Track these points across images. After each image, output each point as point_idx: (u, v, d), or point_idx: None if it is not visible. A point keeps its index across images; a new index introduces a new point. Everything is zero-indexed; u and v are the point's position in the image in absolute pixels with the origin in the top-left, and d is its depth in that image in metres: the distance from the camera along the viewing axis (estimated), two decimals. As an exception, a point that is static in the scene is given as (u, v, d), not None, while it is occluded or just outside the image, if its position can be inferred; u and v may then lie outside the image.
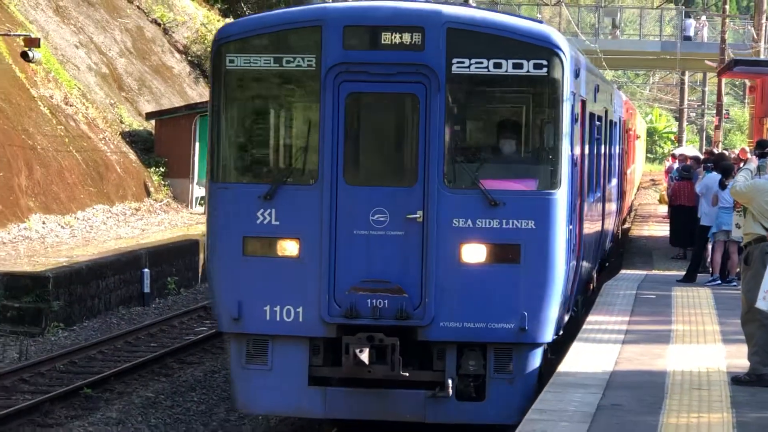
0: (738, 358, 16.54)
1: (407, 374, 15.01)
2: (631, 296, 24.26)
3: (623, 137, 34.23)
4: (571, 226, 16.25)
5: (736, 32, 72.14)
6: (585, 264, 22.16)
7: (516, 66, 15.10)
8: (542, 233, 15.16)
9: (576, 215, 17.95)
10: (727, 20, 68.89)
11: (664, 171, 57.71)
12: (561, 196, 15.40)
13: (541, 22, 16.47)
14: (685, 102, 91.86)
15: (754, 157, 23.34)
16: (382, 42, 15.22)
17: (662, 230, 43.06)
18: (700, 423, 13.26)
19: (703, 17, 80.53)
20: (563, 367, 16.43)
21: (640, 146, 61.53)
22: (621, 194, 34.95)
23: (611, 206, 30.09)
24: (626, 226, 44.34)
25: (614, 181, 31.40)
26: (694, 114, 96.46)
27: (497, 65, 15.10)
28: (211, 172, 16.08)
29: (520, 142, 16.32)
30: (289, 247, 15.42)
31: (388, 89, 15.58)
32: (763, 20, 61.01)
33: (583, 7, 77.44)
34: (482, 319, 15.08)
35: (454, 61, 15.04)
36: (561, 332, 17.59)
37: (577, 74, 16.62)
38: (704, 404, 14.29)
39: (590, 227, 23.38)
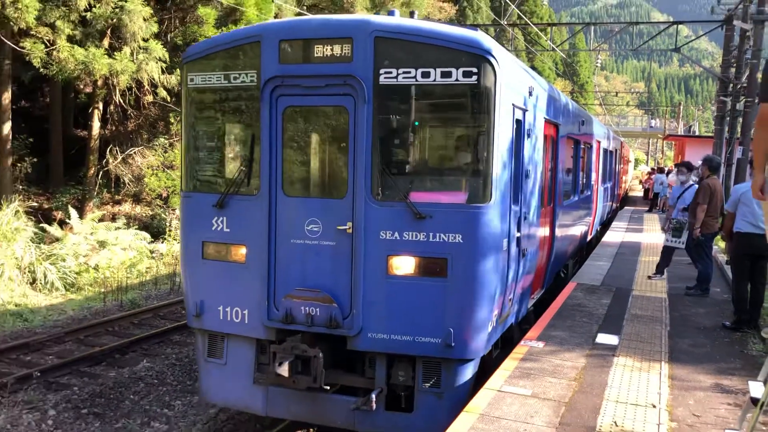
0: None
1: (328, 387, 5.95)
2: (628, 216, 22.77)
3: (620, 159, 28.17)
4: (519, 234, 6.39)
5: (670, 123, 66.63)
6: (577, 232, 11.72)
7: (444, 75, 5.37)
8: (470, 248, 5.47)
9: (534, 223, 7.29)
10: (666, 121, 64.71)
11: (642, 174, 54.17)
12: (492, 210, 5.53)
13: (475, 29, 5.65)
14: (649, 148, 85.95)
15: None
16: (315, 55, 5.74)
17: (638, 194, 40.66)
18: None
19: (658, 119, 75.38)
20: (605, 239, 15.77)
21: (631, 165, 57.61)
22: (621, 183, 31.57)
23: (613, 189, 22.52)
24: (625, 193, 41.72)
25: (615, 178, 24.00)
26: (654, 153, 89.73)
27: (425, 74, 5.40)
28: (180, 181, 6.66)
29: (450, 154, 5.83)
30: (237, 253, 6.18)
31: (319, 102, 5.84)
32: (680, 120, 57.72)
33: (613, 115, 72.90)
34: (409, 332, 5.64)
35: (382, 71, 5.53)
36: (531, 307, 8.02)
37: (530, 92, 6.76)
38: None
39: (603, 197, 17.41)
